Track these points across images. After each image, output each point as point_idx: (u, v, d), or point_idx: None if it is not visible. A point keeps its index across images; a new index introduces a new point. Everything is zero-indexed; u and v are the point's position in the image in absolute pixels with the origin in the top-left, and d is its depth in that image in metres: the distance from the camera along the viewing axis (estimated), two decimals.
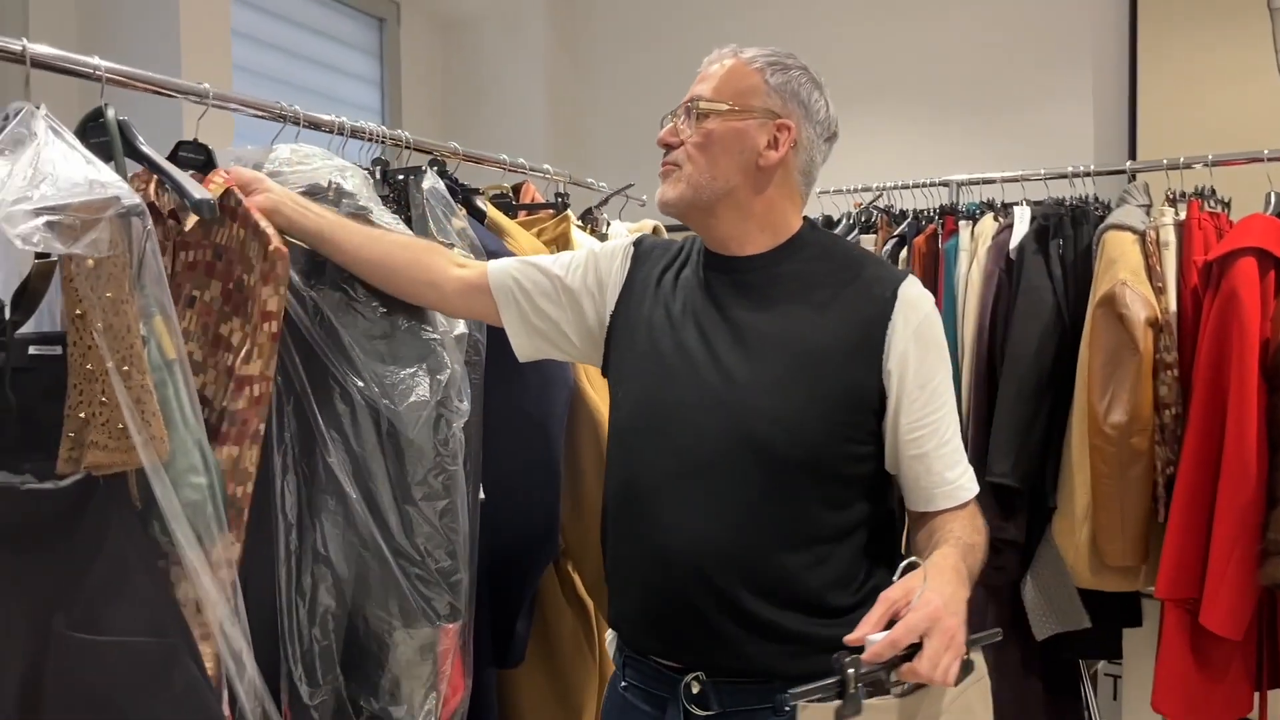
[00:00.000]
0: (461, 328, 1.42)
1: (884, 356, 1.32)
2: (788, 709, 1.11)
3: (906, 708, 1.16)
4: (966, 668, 1.15)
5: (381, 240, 1.40)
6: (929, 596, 1.12)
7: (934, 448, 1.34)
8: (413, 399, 1.33)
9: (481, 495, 1.59)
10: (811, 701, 1.10)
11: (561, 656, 1.76)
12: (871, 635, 1.11)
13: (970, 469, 1.39)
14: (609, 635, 1.57)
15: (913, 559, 1.21)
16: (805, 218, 1.45)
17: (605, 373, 1.50)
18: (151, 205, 1.31)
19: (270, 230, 1.25)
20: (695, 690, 1.33)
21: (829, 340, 1.33)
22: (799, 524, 1.31)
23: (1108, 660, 2.84)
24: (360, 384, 1.34)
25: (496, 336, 1.59)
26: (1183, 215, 2.30)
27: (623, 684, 1.45)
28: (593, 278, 1.48)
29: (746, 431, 1.31)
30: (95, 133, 1.21)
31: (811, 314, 1.35)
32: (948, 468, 1.35)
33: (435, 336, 1.39)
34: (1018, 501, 2.35)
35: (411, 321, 1.38)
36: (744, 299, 1.37)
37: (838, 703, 1.10)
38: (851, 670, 1.09)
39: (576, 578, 1.79)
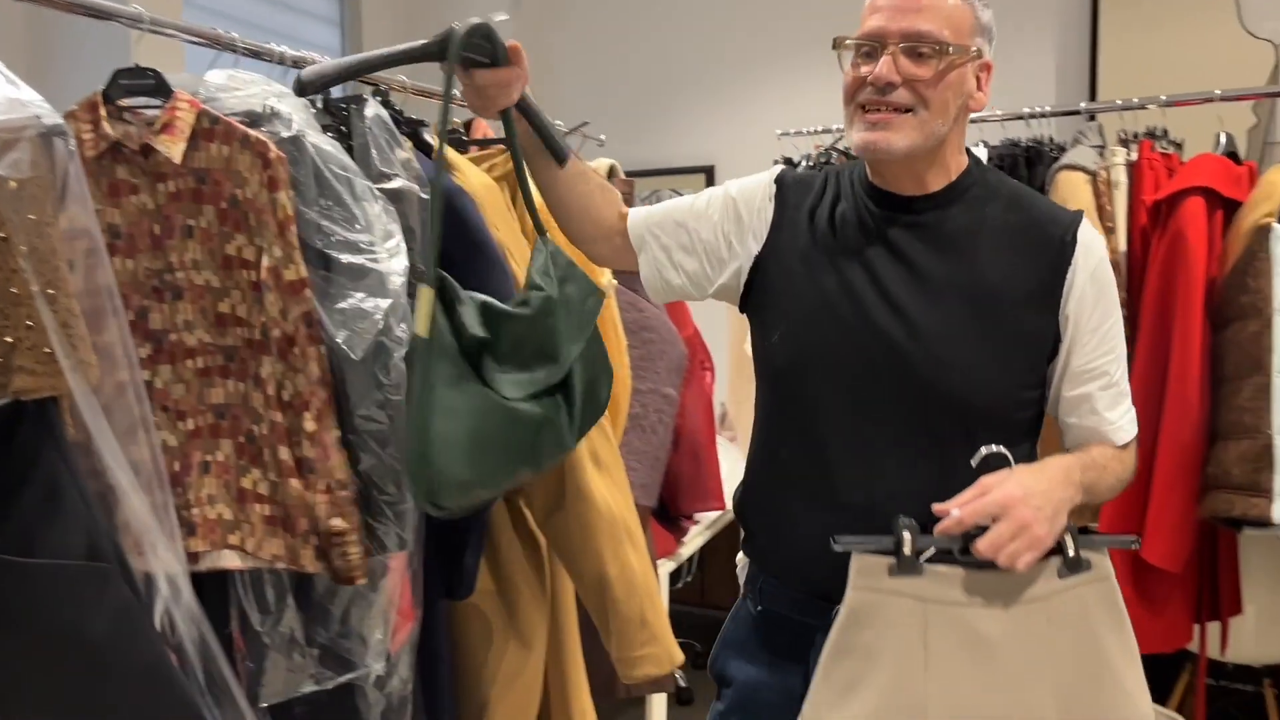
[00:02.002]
0: (404, 258, 1.41)
1: (1063, 301, 1.31)
2: (837, 549, 1.22)
3: (992, 585, 1.22)
4: (1077, 564, 1.22)
5: (585, 171, 1.51)
6: (1009, 486, 1.19)
7: (1099, 389, 1.34)
8: (354, 328, 1.33)
9: None
10: (866, 551, 1.22)
11: (513, 590, 1.77)
12: (953, 511, 1.19)
13: (1132, 411, 1.38)
14: (740, 559, 1.57)
15: (995, 447, 1.25)
16: (966, 150, 1.41)
17: (744, 310, 1.48)
18: (117, 143, 1.30)
19: (263, 137, 1.27)
20: None
21: (1008, 285, 1.31)
22: (969, 468, 1.28)
23: None
24: None
25: (446, 267, 1.58)
26: (1134, 156, 2.32)
27: (759, 608, 1.45)
28: (732, 223, 1.45)
29: (927, 381, 1.29)
30: None
31: (989, 256, 1.32)
32: (1109, 408, 1.35)
33: (377, 267, 1.38)
34: None
35: (352, 251, 1.37)
36: (918, 241, 1.33)
37: (892, 560, 1.20)
38: (908, 533, 1.19)
39: (528, 513, 1.80)
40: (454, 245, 1.60)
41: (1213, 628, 2.41)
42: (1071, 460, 1.30)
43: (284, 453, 1.32)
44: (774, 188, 1.45)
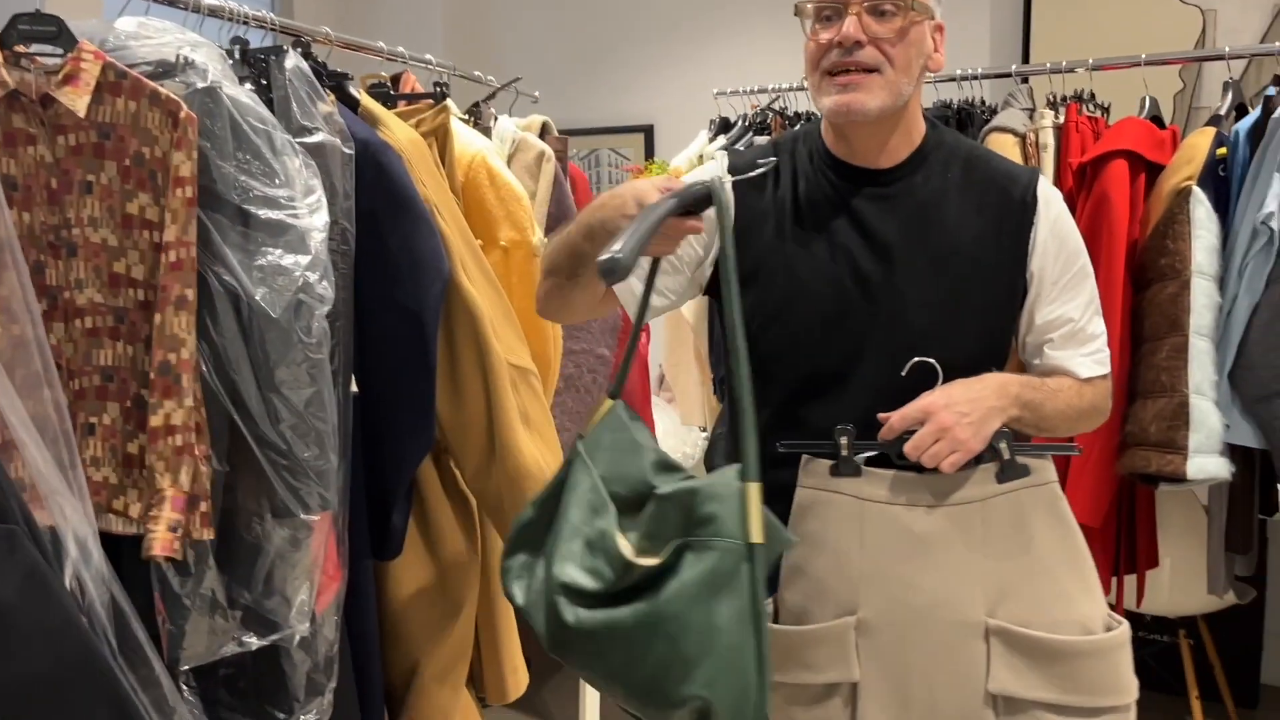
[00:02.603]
0: (325, 214, 1.39)
1: (1029, 258, 1.35)
2: (781, 450, 1.29)
3: (926, 486, 1.29)
4: (1014, 469, 1.28)
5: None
6: (935, 394, 1.27)
7: (1061, 335, 1.38)
8: (273, 285, 1.30)
9: (354, 388, 1.57)
10: (810, 453, 1.31)
11: (442, 550, 1.76)
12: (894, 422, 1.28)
13: (1102, 352, 1.41)
14: None
15: (923, 359, 1.29)
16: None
17: (710, 293, 1.45)
18: (15, 91, 1.25)
19: (174, 96, 1.23)
20: None
21: (978, 249, 1.34)
22: None
23: None
24: (218, 269, 1.30)
25: (366, 226, 1.56)
26: (1062, 119, 2.34)
27: None
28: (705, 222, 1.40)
29: (912, 351, 1.31)
30: None
31: (957, 222, 1.35)
32: (1071, 347, 1.39)
33: (296, 222, 1.35)
34: None
35: (271, 206, 1.34)
36: (889, 214, 1.35)
37: (833, 462, 1.30)
38: (845, 438, 1.30)
39: (458, 473, 1.79)
40: (379, 202, 1.58)
41: (1129, 581, 2.48)
42: (1013, 377, 1.33)
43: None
44: (728, 180, 1.39)
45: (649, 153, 3.94)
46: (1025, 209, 1.35)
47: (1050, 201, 1.37)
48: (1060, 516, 1.31)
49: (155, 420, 1.28)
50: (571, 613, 1.12)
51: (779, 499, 1.26)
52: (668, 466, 1.22)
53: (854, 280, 1.33)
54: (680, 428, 3.14)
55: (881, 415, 1.28)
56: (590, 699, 2.67)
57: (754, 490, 1.08)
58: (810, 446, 1.32)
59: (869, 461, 1.31)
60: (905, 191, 1.35)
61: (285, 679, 1.46)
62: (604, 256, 1.04)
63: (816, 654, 1.30)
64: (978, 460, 1.27)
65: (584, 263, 1.30)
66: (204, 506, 1.31)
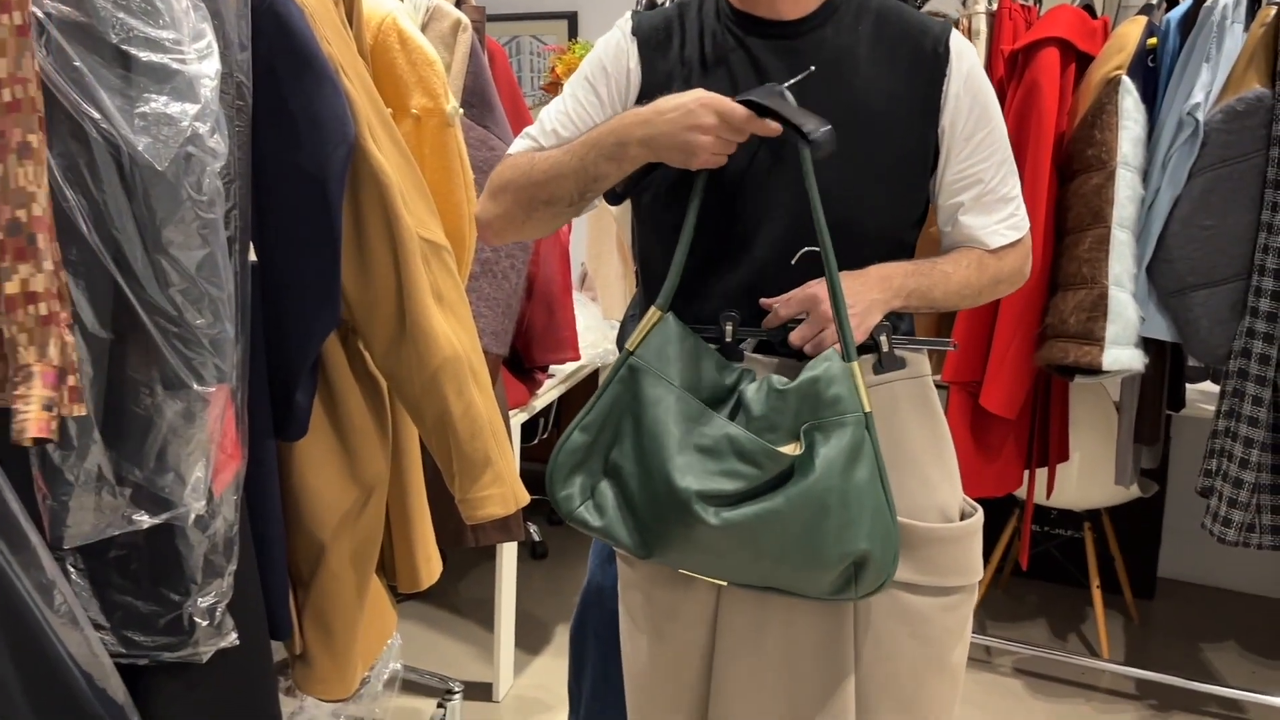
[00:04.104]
0: (216, 61, 1.27)
1: (940, 113, 1.31)
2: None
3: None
4: (891, 361, 1.31)
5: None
6: (813, 286, 1.27)
7: (971, 198, 1.35)
8: (158, 135, 1.19)
9: (253, 257, 1.48)
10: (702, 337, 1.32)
11: (350, 432, 1.69)
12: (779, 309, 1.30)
13: (1016, 216, 1.39)
14: None
15: (811, 249, 1.28)
16: None
17: None
18: None
19: None
20: None
21: (888, 105, 1.30)
22: None
23: None
24: (95, 115, 1.18)
25: (264, 85, 1.44)
26: (995, 5, 2.30)
27: None
28: (607, 92, 1.39)
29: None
30: None
31: (867, 76, 1.30)
32: (982, 213, 1.36)
33: (185, 69, 1.24)
34: None
35: (155, 49, 1.22)
36: (795, 69, 1.29)
37: (717, 346, 1.32)
38: (729, 324, 1.32)
39: (367, 354, 1.71)
40: (278, 58, 1.46)
41: (1040, 475, 2.53)
42: (897, 266, 1.32)
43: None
44: (633, 41, 1.38)
45: (572, 39, 3.80)
46: (937, 60, 1.31)
47: (963, 54, 1.33)
48: (931, 408, 1.35)
49: (10, 287, 1.15)
50: (715, 516, 1.19)
51: None
52: (724, 365, 1.30)
53: (761, 139, 1.27)
54: (601, 322, 3.08)
55: (764, 301, 1.30)
56: (506, 594, 2.65)
57: (857, 368, 1.21)
58: (698, 331, 1.30)
59: (754, 348, 1.32)
60: (813, 45, 1.31)
61: (181, 560, 1.38)
62: (822, 129, 1.15)
63: None
64: (860, 351, 1.26)
65: (601, 185, 1.31)
66: (72, 380, 1.20)
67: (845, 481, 1.18)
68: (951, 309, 1.41)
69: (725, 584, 1.31)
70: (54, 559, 1.22)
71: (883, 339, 1.30)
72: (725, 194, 1.32)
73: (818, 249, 1.25)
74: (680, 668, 1.40)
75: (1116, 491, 2.61)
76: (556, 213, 1.41)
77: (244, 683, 1.52)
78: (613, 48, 1.40)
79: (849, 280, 1.26)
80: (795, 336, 1.27)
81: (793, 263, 1.29)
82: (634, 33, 1.36)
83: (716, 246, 1.34)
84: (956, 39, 1.34)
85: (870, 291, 1.27)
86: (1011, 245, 1.39)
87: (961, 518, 1.36)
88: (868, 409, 1.21)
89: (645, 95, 1.35)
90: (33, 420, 1.18)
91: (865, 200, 1.30)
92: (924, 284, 1.32)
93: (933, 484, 1.34)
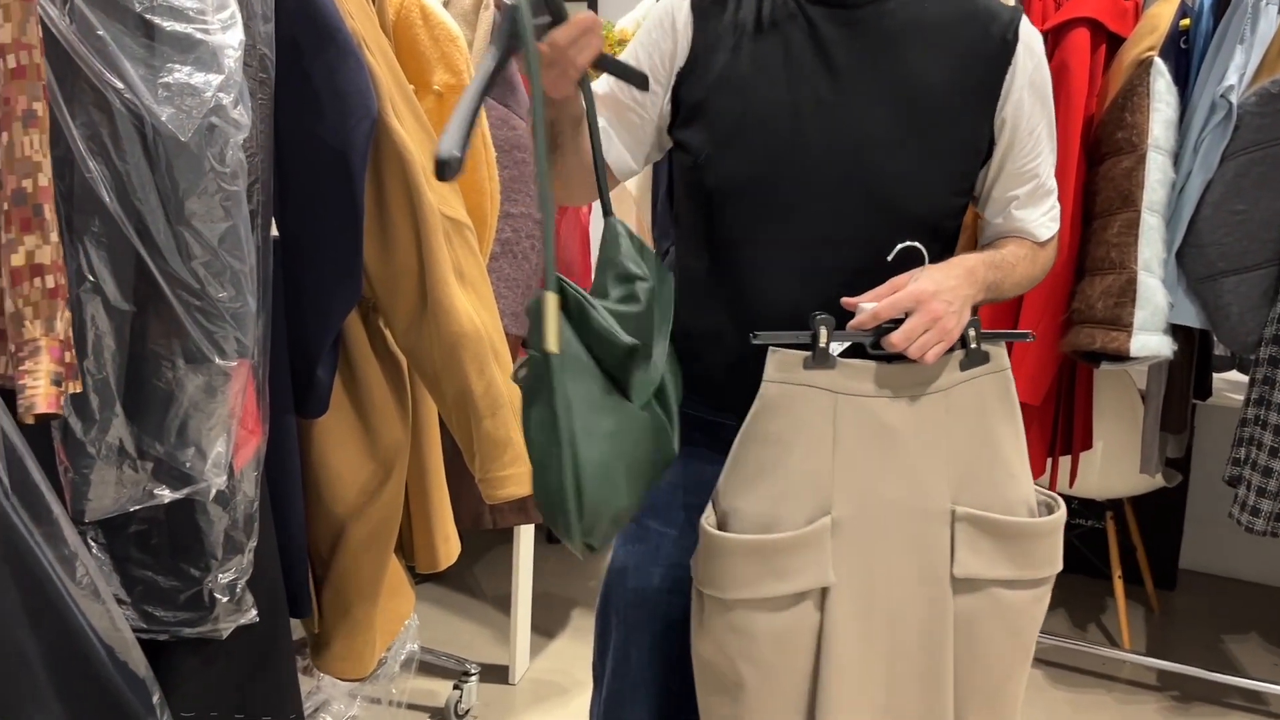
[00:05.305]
0: (240, 32, 1.26)
1: (1000, 104, 1.28)
2: (755, 343, 1.21)
3: (899, 377, 1.24)
4: (977, 356, 1.26)
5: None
6: (923, 281, 1.20)
7: (1027, 192, 1.33)
8: (181, 103, 1.18)
9: (275, 232, 1.47)
10: (780, 345, 1.21)
11: (371, 409, 1.68)
12: (864, 305, 1.21)
13: (1056, 207, 1.39)
14: None
15: (912, 244, 1.23)
16: None
17: (671, 131, 1.37)
18: None
19: None
20: None
21: (946, 87, 1.27)
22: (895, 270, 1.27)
23: None
24: (119, 86, 1.17)
25: (287, 57, 1.43)
26: None
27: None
28: (658, 61, 1.34)
29: (864, 190, 1.26)
30: None
31: (928, 55, 1.27)
32: (1034, 206, 1.35)
33: (209, 38, 1.22)
34: None
35: (179, 19, 1.21)
36: (855, 40, 1.27)
37: (807, 354, 1.21)
38: (824, 328, 1.21)
39: (387, 332, 1.70)
40: (301, 30, 1.45)
41: (1064, 463, 2.50)
42: (977, 259, 1.30)
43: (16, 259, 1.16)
44: (686, 7, 1.34)
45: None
46: (1005, 48, 1.27)
47: (1033, 48, 1.30)
48: (1012, 401, 1.32)
49: (16, 259, 1.13)
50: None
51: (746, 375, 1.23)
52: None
53: (814, 106, 1.25)
54: None
55: (847, 301, 1.21)
56: (523, 577, 2.64)
57: (551, 299, 1.09)
58: (781, 337, 1.22)
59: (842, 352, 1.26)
60: (875, 16, 1.27)
61: (201, 535, 1.38)
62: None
63: (790, 562, 1.23)
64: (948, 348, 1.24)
65: (556, 133, 1.29)
66: (68, 357, 1.18)
67: (527, 422, 1.14)
68: (1004, 299, 1.39)
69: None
70: (75, 531, 1.22)
71: (971, 333, 1.25)
72: (773, 154, 1.28)
73: (915, 244, 1.22)
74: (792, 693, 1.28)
75: (1140, 481, 2.58)
76: (566, 171, 1.38)
77: (263, 659, 1.51)
78: (669, 6, 1.36)
79: (944, 274, 1.23)
80: (900, 336, 1.19)
81: (889, 259, 1.22)
82: (692, 4, 1.33)
83: (761, 217, 1.30)
84: (1026, 27, 1.30)
85: (964, 286, 1.24)
86: (1052, 239, 1.39)
87: (1040, 504, 1.34)
88: (551, 349, 1.09)
89: (693, 56, 1.31)
90: (41, 395, 1.16)
91: (914, 182, 1.27)
92: (998, 276, 1.30)
93: (1019, 478, 1.32)
